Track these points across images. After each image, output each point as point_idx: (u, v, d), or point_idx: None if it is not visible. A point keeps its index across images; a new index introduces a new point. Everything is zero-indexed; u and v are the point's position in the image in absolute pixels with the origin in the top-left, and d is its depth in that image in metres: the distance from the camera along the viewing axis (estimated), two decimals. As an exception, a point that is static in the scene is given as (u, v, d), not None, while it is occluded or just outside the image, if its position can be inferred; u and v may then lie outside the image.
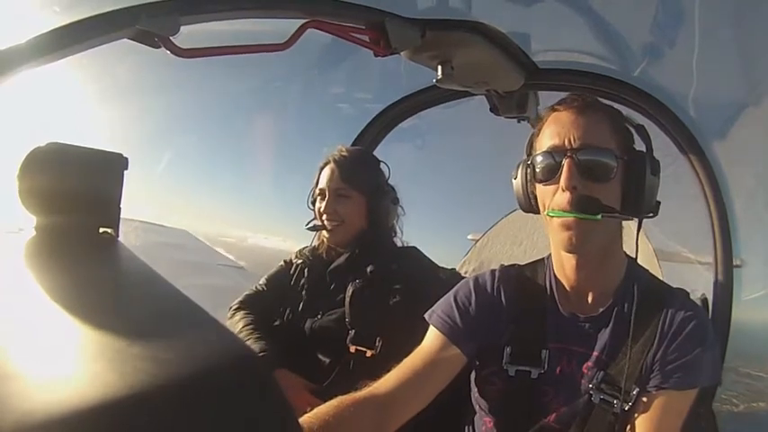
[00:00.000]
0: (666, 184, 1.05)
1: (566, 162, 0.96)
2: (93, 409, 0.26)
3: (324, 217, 1.56)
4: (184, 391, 0.30)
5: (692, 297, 1.11)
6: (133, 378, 0.30)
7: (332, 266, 1.57)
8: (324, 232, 1.59)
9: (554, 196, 0.99)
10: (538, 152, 1.02)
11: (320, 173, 1.61)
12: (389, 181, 1.68)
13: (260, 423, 0.31)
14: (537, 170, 1.02)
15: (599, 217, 0.93)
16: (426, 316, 1.12)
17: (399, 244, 1.66)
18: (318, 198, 1.60)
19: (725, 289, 1.48)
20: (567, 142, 0.97)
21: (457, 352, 1.06)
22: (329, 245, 1.61)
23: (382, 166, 1.69)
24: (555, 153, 0.98)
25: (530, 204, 1.08)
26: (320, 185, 1.59)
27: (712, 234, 1.52)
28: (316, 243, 1.68)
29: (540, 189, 1.03)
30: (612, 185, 0.98)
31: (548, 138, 1.01)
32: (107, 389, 0.28)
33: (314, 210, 1.63)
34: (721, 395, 1.49)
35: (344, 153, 1.60)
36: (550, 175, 0.99)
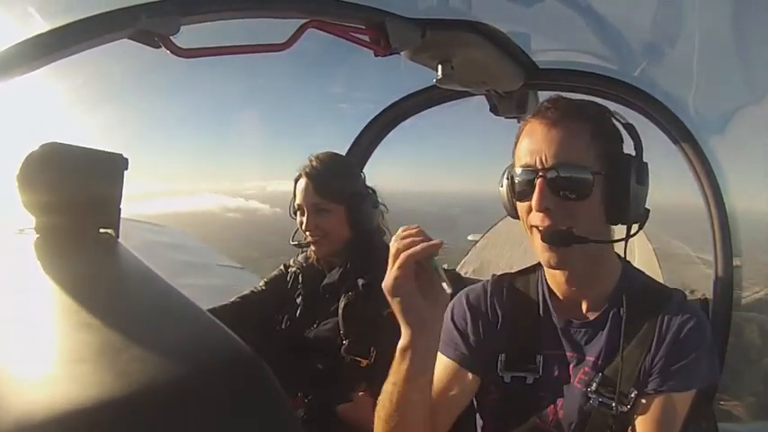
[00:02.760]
0: (667, 184, 1.04)
1: (537, 182, 0.93)
2: (91, 409, 0.26)
3: (306, 233, 1.55)
4: (184, 390, 0.30)
5: (691, 297, 1.11)
6: (132, 378, 0.30)
7: (324, 282, 1.57)
8: (310, 246, 1.58)
9: (529, 214, 0.97)
10: (515, 167, 1.00)
11: (295, 186, 1.58)
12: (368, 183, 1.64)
13: (260, 422, 0.31)
14: (515, 185, 1.00)
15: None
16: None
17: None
18: (298, 213, 1.58)
19: (725, 289, 1.48)
20: (538, 161, 0.94)
21: (472, 376, 1.05)
22: (317, 257, 1.60)
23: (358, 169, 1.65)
24: (528, 172, 0.96)
25: (515, 213, 1.07)
26: (297, 201, 1.56)
27: (712, 234, 1.52)
28: (308, 252, 1.68)
29: (519, 205, 1.01)
30: (591, 201, 0.94)
31: (522, 154, 0.98)
32: (105, 389, 0.28)
33: (296, 220, 1.61)
34: (741, 282, 1.51)
35: (316, 164, 1.55)
36: (525, 194, 0.97)
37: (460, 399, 1.05)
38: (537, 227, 0.95)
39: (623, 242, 1.01)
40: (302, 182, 1.55)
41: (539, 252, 0.97)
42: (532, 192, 0.94)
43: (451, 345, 1.08)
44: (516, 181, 0.99)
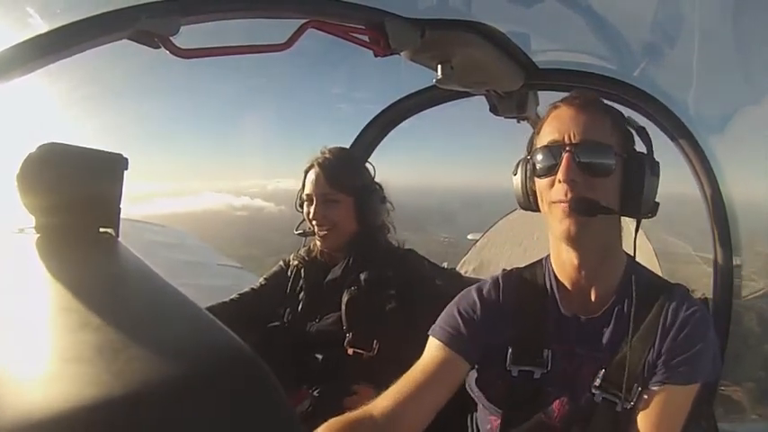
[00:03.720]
0: (666, 184, 1.05)
1: (565, 156, 0.96)
2: (90, 409, 0.27)
3: (314, 223, 1.56)
4: (182, 390, 0.30)
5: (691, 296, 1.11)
6: (131, 378, 0.30)
7: (328, 278, 1.57)
8: (316, 238, 1.59)
9: (552, 188, 0.99)
10: (537, 147, 1.03)
11: (305, 177, 1.59)
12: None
13: (259, 422, 0.31)
14: (537, 166, 1.02)
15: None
16: (430, 332, 1.11)
17: (394, 242, 1.66)
18: (306, 203, 1.58)
19: (725, 289, 1.48)
20: (566, 138, 0.98)
21: (460, 361, 1.05)
22: (322, 249, 1.60)
23: (368, 165, 1.67)
24: (554, 148, 0.99)
25: (528, 202, 1.09)
26: (307, 191, 1.57)
27: (712, 234, 1.52)
28: (310, 246, 1.68)
29: (539, 183, 1.03)
30: (611, 181, 0.98)
31: (547, 134, 1.01)
32: (104, 388, 0.28)
33: (302, 213, 1.62)
34: (741, 272, 1.54)
35: (328, 155, 1.57)
36: (550, 170, 0.99)
37: (448, 381, 1.04)
38: (560, 200, 0.97)
39: (628, 239, 1.04)
40: (313, 172, 1.57)
41: (557, 224, 0.99)
42: (556, 167, 0.98)
43: (447, 328, 1.08)
44: (539, 159, 1.01)
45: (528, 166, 1.07)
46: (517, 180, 1.10)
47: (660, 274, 1.20)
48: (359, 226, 1.56)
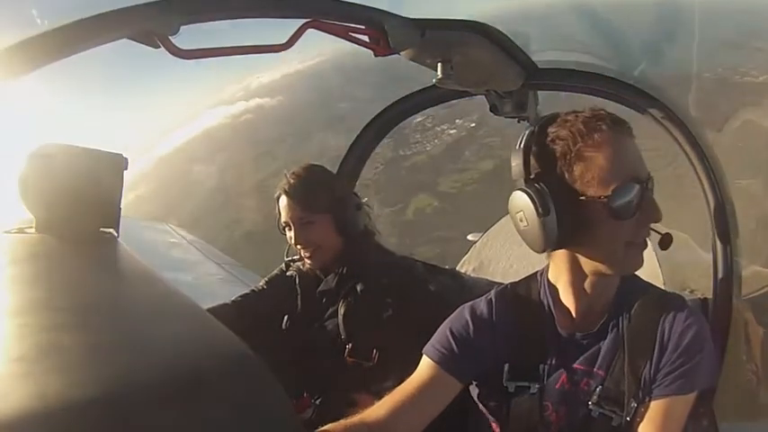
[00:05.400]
0: (667, 184, 1.05)
1: (648, 194, 0.95)
2: (90, 409, 0.27)
3: (298, 247, 1.58)
4: (183, 390, 0.30)
5: (691, 297, 1.11)
6: (132, 378, 0.30)
7: (321, 288, 1.60)
8: (305, 259, 1.61)
9: (636, 228, 0.95)
10: (617, 186, 0.92)
11: (278, 204, 1.61)
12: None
13: (259, 421, 0.31)
14: (615, 204, 0.91)
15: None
16: (423, 350, 1.12)
17: (384, 244, 1.67)
18: (286, 229, 1.61)
19: (725, 289, 1.48)
20: (642, 173, 0.95)
21: (451, 380, 1.06)
22: (312, 268, 1.63)
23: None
24: (640, 185, 0.94)
25: (563, 242, 0.98)
26: (283, 218, 1.60)
27: (712, 234, 1.52)
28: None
29: (616, 224, 0.94)
30: None
31: (626, 166, 0.94)
32: (105, 388, 0.28)
33: (286, 236, 1.64)
34: (741, 70, 1.53)
35: (293, 181, 1.58)
36: (636, 209, 0.93)
37: (439, 399, 1.05)
38: (643, 240, 0.97)
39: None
40: (283, 200, 1.58)
41: (628, 263, 0.98)
42: (641, 205, 0.94)
43: (439, 348, 1.09)
44: (623, 196, 0.92)
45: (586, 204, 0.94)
46: (552, 220, 0.94)
47: (660, 275, 1.20)
48: (342, 239, 1.59)
